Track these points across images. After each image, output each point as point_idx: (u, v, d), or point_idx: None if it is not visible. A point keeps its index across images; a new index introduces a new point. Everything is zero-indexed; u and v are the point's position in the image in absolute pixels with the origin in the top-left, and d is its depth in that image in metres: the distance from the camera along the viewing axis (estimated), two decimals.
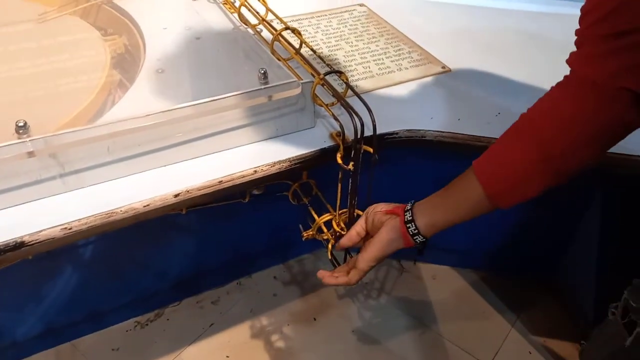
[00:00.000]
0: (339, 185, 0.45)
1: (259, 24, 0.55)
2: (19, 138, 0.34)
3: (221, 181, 0.40)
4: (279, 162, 0.42)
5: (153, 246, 0.72)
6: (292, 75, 0.44)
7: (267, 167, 0.42)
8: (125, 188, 0.38)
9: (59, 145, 0.35)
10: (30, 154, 0.34)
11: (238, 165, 0.41)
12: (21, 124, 0.34)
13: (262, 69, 0.43)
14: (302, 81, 0.42)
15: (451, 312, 0.82)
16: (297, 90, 0.42)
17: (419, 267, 0.89)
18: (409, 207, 0.40)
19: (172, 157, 0.41)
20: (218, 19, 0.58)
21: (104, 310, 0.75)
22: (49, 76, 0.51)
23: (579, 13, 0.34)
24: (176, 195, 0.38)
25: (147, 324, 0.78)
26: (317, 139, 0.45)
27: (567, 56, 0.34)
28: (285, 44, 0.49)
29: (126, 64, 0.57)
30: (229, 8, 0.60)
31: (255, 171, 0.41)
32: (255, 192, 0.62)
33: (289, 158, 0.42)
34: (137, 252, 0.72)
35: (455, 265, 0.89)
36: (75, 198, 0.37)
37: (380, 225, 0.41)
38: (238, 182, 0.41)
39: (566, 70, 0.35)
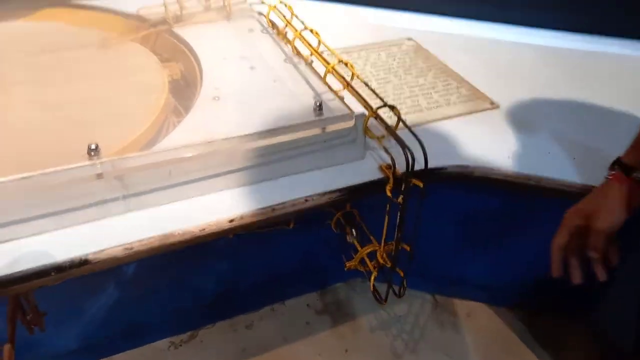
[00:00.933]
0: (386, 217, 0.45)
1: (311, 55, 0.57)
2: (89, 160, 0.36)
3: (274, 209, 0.41)
4: (330, 192, 0.43)
5: (192, 266, 0.73)
6: (346, 108, 0.45)
7: (318, 196, 0.42)
8: (183, 211, 0.39)
9: (125, 169, 0.37)
10: (99, 176, 0.36)
11: (290, 194, 0.42)
12: (93, 146, 0.36)
13: (317, 100, 0.44)
14: (355, 114, 0.43)
15: (484, 350, 0.80)
16: (351, 123, 0.43)
17: (454, 303, 0.88)
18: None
19: (227, 183, 0.42)
20: (271, 50, 0.60)
21: (140, 328, 0.76)
22: (108, 99, 0.53)
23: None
24: (231, 221, 0.39)
25: (180, 345, 0.78)
26: (367, 171, 0.45)
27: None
28: (338, 76, 0.50)
29: (183, 89, 0.59)
30: (282, 39, 0.62)
31: (307, 200, 0.42)
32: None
33: (339, 189, 0.43)
34: (176, 271, 0.73)
35: (490, 302, 0.87)
36: (136, 219, 0.38)
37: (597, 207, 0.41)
38: (290, 210, 0.41)
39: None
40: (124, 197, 0.38)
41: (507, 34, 0.68)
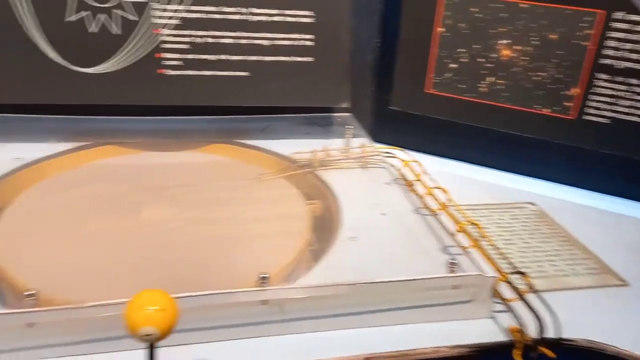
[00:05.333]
0: None
1: (440, 210, 0.63)
2: (259, 286, 0.42)
3: (406, 354, 0.44)
4: (460, 346, 0.45)
5: None
6: (477, 268, 0.49)
7: (448, 349, 0.45)
8: (326, 342, 0.44)
9: (283, 299, 0.43)
10: (264, 302, 0.42)
11: (419, 342, 0.45)
12: (265, 275, 0.43)
13: (453, 258, 0.48)
14: (487, 276, 0.47)
15: None
16: (482, 284, 0.47)
17: None
18: None
19: (364, 321, 0.46)
20: (401, 200, 0.67)
21: None
22: (260, 225, 0.62)
23: None
24: (366, 359, 0.43)
25: None
26: (492, 331, 0.48)
27: None
28: (468, 234, 0.55)
29: (322, 225, 0.67)
30: (411, 191, 0.69)
31: (437, 351, 0.45)
32: None
33: (470, 344, 0.45)
34: None
35: None
36: (289, 341, 0.43)
37: None
38: (420, 357, 0.44)
39: None
40: (281, 321, 0.43)
41: (636, 211, 0.70)
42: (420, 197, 0.66)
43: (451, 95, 0.78)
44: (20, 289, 0.46)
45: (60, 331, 0.40)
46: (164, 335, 0.30)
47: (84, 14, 0.65)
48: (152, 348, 0.32)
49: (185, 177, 0.71)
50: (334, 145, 0.79)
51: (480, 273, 0.47)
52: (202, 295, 0.40)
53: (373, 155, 0.77)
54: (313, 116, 0.84)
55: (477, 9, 0.71)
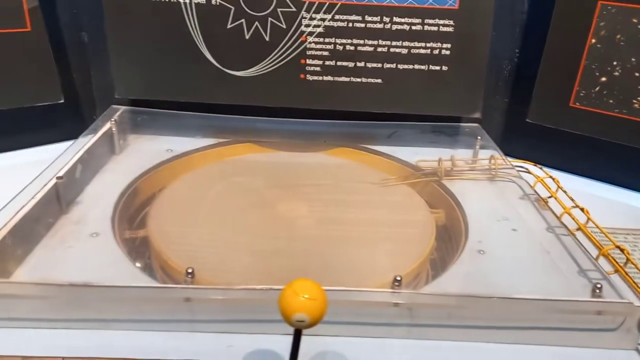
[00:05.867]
0: None
1: (577, 230, 0.59)
2: (393, 289, 0.44)
3: None
4: None
5: None
6: (622, 296, 0.46)
7: None
8: (453, 351, 0.44)
9: (414, 303, 0.44)
10: (395, 304, 0.43)
11: None
12: (398, 278, 0.44)
13: (598, 283, 0.46)
14: (637, 304, 0.44)
15: None
16: (630, 312, 0.44)
17: None
18: None
19: (493, 336, 0.45)
20: (534, 217, 0.64)
21: None
22: (384, 229, 0.63)
23: None
24: None
25: None
26: None
27: None
28: (612, 258, 0.52)
29: (447, 236, 0.66)
30: (546, 208, 0.66)
31: None
32: None
33: None
34: None
35: None
36: (412, 346, 0.44)
37: None
38: None
39: None
40: (408, 324, 0.44)
41: None
42: (556, 216, 0.63)
43: (598, 111, 0.73)
44: (175, 268, 0.52)
45: (212, 309, 0.44)
46: (313, 323, 0.33)
47: (241, 21, 0.71)
48: (299, 335, 0.35)
49: (314, 177, 0.75)
50: (460, 155, 0.78)
51: (629, 301, 0.44)
52: (345, 291, 0.42)
53: (503, 169, 0.75)
54: (441, 125, 0.83)
55: (638, 20, 0.66)
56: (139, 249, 0.61)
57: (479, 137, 0.78)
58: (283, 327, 0.35)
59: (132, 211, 0.67)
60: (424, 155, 0.77)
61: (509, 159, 0.77)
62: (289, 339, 0.36)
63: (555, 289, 0.51)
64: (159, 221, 0.61)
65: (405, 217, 0.67)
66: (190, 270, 0.46)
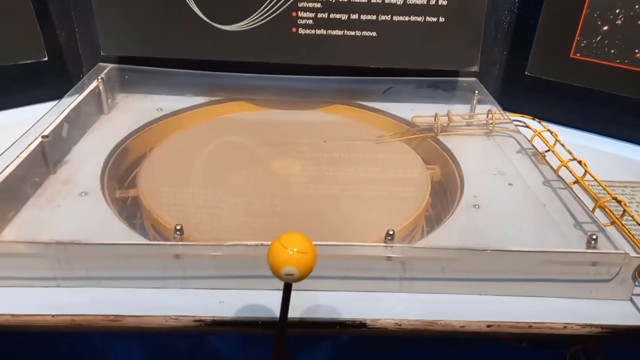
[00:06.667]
0: None
1: (575, 183, 0.58)
2: (385, 243, 0.43)
3: (530, 326, 0.42)
4: (590, 325, 0.43)
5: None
6: (615, 247, 0.45)
7: (578, 327, 0.42)
8: (447, 304, 0.43)
9: (407, 257, 0.43)
10: (388, 258, 0.42)
11: (547, 316, 0.43)
12: (391, 232, 0.43)
13: (593, 234, 0.45)
14: (633, 255, 0.43)
15: None
16: (626, 263, 0.43)
17: None
18: None
19: (487, 289, 0.45)
20: (530, 171, 0.63)
21: None
22: (378, 186, 0.62)
23: None
24: (489, 326, 0.42)
25: None
26: (630, 313, 0.44)
27: None
28: (608, 210, 0.51)
29: (442, 191, 0.65)
30: (541, 161, 0.65)
31: (565, 327, 0.42)
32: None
33: (602, 325, 0.42)
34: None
35: None
36: (405, 300, 0.44)
37: None
38: (546, 332, 0.42)
39: None
40: (400, 278, 0.44)
41: None
42: (553, 169, 0.62)
43: (599, 62, 0.71)
44: (165, 227, 0.52)
45: (202, 265, 0.43)
46: (302, 276, 0.32)
47: None
48: (289, 289, 0.34)
49: (307, 134, 0.73)
50: (458, 110, 0.76)
51: (625, 252, 0.43)
52: (337, 246, 0.42)
53: (501, 123, 0.73)
54: (437, 80, 0.81)
55: None
56: (129, 208, 0.60)
57: (476, 92, 0.76)
58: (274, 282, 0.34)
59: (122, 171, 0.65)
60: (420, 111, 0.75)
61: (507, 113, 0.75)
62: (280, 294, 0.36)
63: (550, 241, 0.50)
64: (149, 181, 0.60)
65: (400, 174, 0.66)
66: (179, 227, 0.46)
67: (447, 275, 0.44)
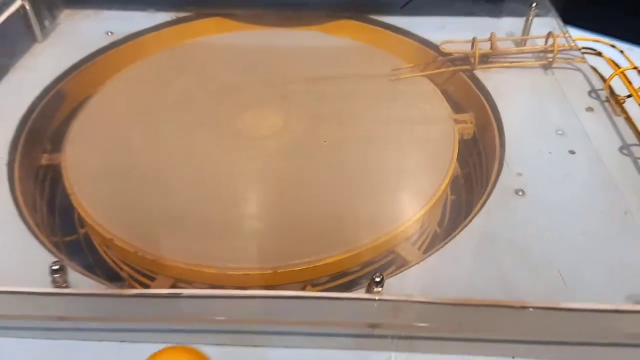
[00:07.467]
0: None
1: None
2: (369, 294, 0.28)
3: None
4: None
5: None
6: None
7: None
8: None
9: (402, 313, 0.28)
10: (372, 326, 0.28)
11: None
12: (378, 279, 0.28)
13: None
14: None
15: None
16: None
17: None
18: None
19: (523, 351, 0.30)
20: (604, 129, 0.45)
21: None
22: (388, 154, 0.45)
23: None
24: None
25: None
26: None
27: None
28: None
29: (474, 161, 0.48)
30: (622, 113, 0.46)
31: None
32: None
33: None
34: None
35: None
36: None
37: None
38: None
39: None
40: (393, 336, 0.29)
41: None
42: (637, 129, 0.43)
43: None
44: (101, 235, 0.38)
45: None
46: None
47: None
48: None
49: (299, 66, 0.56)
50: (504, 31, 0.55)
51: None
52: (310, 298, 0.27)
53: (565, 50, 0.53)
54: None
55: None
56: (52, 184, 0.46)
57: (533, 4, 0.54)
58: None
59: (52, 127, 0.51)
60: (452, 33, 0.55)
61: (575, 36, 0.54)
62: None
63: (635, 264, 0.34)
64: (76, 158, 0.44)
65: (416, 131, 0.48)
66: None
67: (464, 335, 0.29)
